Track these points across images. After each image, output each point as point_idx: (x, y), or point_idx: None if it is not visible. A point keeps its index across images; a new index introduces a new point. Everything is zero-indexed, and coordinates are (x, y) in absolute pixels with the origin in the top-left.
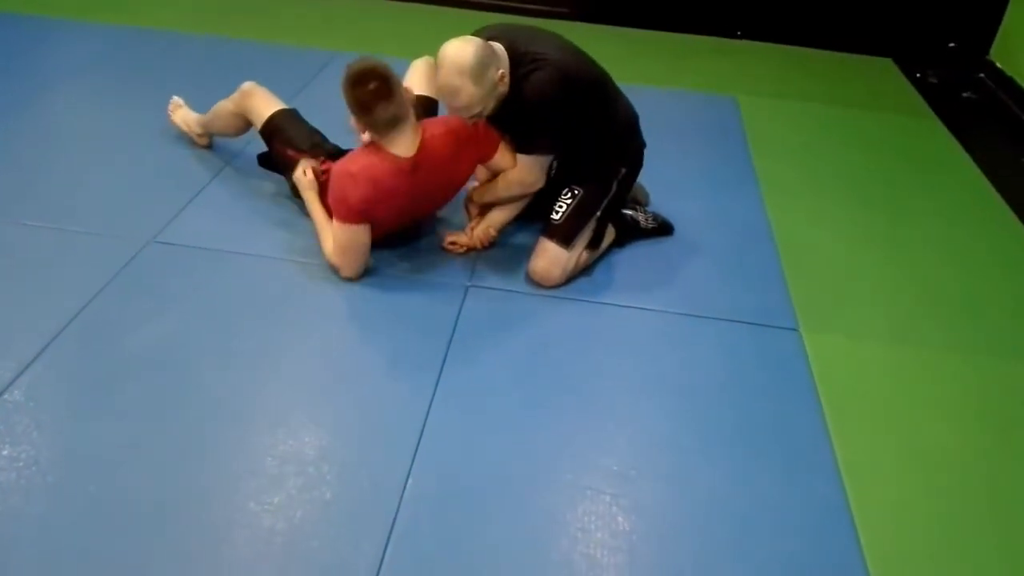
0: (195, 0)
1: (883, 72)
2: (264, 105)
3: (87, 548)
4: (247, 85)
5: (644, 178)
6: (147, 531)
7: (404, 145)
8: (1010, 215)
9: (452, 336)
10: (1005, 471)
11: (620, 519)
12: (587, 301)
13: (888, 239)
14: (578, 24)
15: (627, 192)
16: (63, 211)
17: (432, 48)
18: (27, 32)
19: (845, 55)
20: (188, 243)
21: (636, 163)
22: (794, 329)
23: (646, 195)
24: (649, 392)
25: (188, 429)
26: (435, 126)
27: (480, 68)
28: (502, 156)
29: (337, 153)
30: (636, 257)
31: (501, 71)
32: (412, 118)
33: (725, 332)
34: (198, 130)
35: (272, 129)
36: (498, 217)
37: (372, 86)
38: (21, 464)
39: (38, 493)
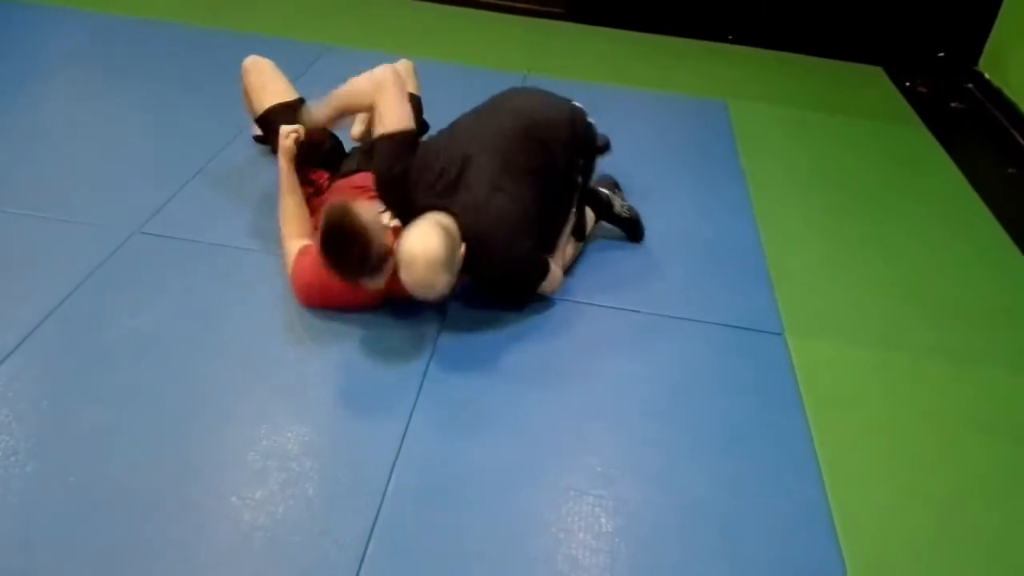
0: None
1: (873, 80)
2: (266, 92)
3: (66, 538)
4: (248, 62)
5: (633, 180)
6: (127, 522)
7: (375, 281)
8: (995, 224)
9: (438, 333)
10: (987, 476)
11: (603, 520)
12: (573, 301)
13: (874, 245)
14: (570, 24)
15: (591, 177)
16: (47, 199)
17: (423, 41)
18: (12, 19)
19: (835, 62)
20: (174, 235)
21: (591, 150)
22: (779, 333)
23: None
24: (633, 393)
25: (170, 421)
26: None
27: (449, 258)
28: None
29: (335, 151)
30: (622, 259)
31: (461, 251)
32: (392, 258)
33: (710, 335)
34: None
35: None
36: None
37: (357, 251)
38: (0, 454)
39: (17, 483)
